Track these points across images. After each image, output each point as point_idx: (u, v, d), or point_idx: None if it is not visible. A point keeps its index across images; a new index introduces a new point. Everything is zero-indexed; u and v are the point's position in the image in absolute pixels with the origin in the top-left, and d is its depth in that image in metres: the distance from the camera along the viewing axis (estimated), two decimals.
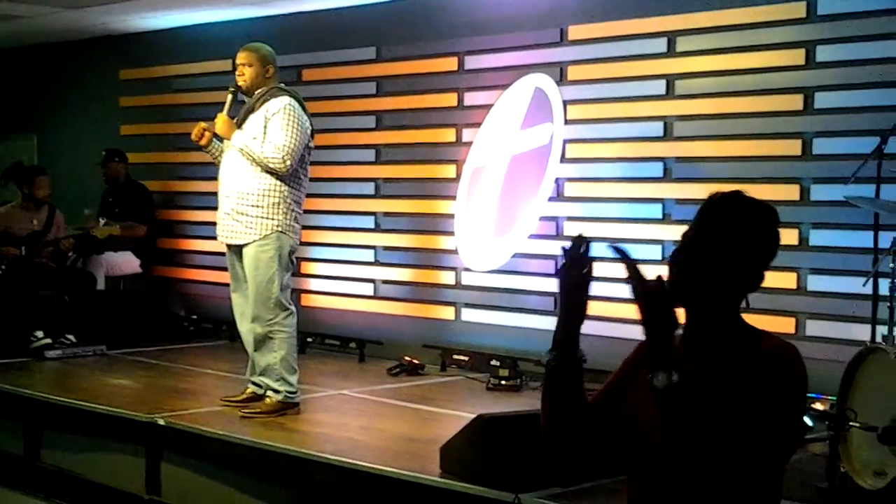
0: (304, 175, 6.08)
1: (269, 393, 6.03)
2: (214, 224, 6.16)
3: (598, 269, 2.44)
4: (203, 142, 6.12)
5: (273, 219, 5.91)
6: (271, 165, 5.84)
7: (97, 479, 6.21)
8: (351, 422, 6.04)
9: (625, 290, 2.32)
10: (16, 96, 11.52)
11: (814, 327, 6.14)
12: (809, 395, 5.64)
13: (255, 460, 5.45)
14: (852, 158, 5.56)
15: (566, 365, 2.50)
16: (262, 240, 5.91)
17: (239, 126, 5.99)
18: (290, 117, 5.88)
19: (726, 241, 2.39)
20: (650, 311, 2.29)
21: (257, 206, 5.90)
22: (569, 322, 2.49)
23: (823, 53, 6.20)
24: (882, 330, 4.87)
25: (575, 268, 2.45)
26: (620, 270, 2.27)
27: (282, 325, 5.97)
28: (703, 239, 2.42)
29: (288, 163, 5.84)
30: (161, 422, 5.90)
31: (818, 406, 5.51)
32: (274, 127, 5.87)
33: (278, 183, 5.91)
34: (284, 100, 5.95)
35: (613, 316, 6.45)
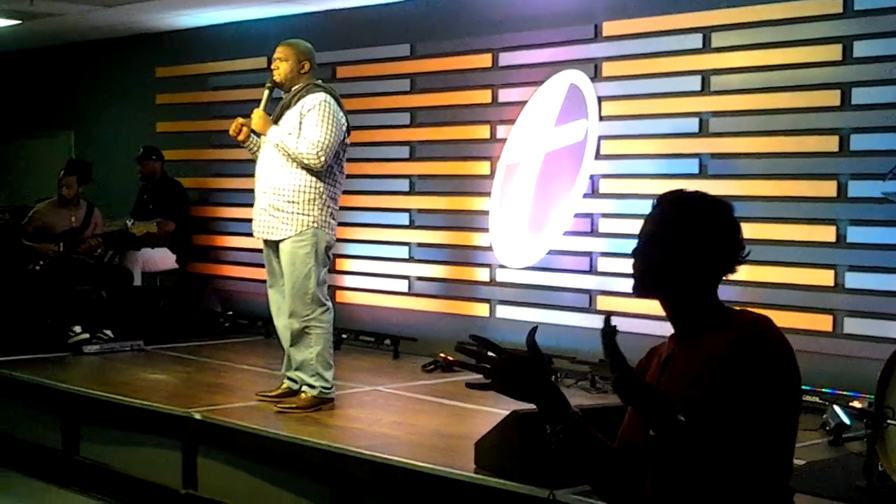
0: (340, 172, 6.10)
1: (304, 388, 6.05)
2: (249, 221, 6.20)
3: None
4: (241, 137, 6.15)
5: (309, 215, 5.93)
6: (306, 161, 5.86)
7: (134, 473, 6.28)
8: (384, 417, 6.06)
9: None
10: (53, 94, 11.64)
11: (852, 325, 6.10)
12: (846, 392, 5.66)
13: (289, 455, 5.48)
14: (890, 155, 5.55)
15: (571, 429, 2.54)
16: (298, 235, 5.93)
17: (275, 122, 6.02)
18: (326, 113, 5.90)
19: (671, 234, 2.53)
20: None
21: (293, 202, 5.92)
22: (548, 402, 2.54)
23: (860, 49, 6.16)
24: None
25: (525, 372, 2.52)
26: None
27: (318, 321, 6.00)
28: (652, 235, 2.57)
29: (323, 159, 5.86)
30: (198, 416, 5.94)
31: (856, 404, 5.49)
32: (309, 123, 5.89)
33: (314, 179, 5.93)
34: (320, 96, 5.96)
35: (654, 314, 6.43)
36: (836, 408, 5.43)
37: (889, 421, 4.37)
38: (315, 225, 5.94)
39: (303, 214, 5.93)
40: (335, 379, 6.16)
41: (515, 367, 2.49)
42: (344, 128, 6.03)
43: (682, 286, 2.55)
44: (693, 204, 2.56)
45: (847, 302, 6.14)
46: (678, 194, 2.60)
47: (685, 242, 2.51)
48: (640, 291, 2.60)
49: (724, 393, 2.36)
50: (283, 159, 5.93)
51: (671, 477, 2.44)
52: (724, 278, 2.57)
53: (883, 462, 4.44)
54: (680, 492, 2.44)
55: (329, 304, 6.09)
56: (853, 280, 6.13)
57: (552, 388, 2.52)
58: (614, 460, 2.58)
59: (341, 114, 6.02)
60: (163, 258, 9.23)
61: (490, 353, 2.52)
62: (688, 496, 2.43)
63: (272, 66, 6.16)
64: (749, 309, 2.56)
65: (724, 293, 2.56)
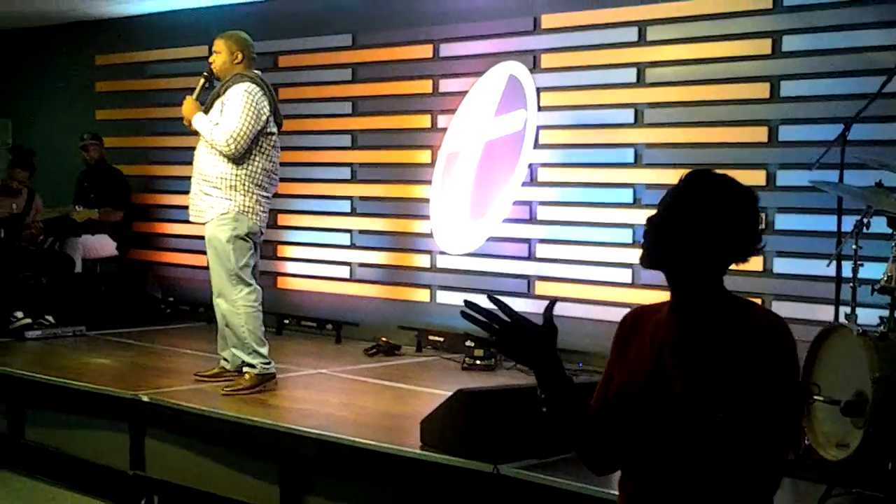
0: (265, 159, 6.20)
1: (245, 369, 6.19)
2: (188, 207, 6.36)
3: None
4: (192, 128, 6.30)
5: (231, 199, 6.10)
6: (219, 149, 6.06)
7: (81, 455, 6.33)
8: (331, 399, 6.19)
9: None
10: None
11: (780, 308, 6.31)
12: None
13: (238, 435, 5.59)
14: (817, 145, 5.70)
15: (564, 398, 2.54)
16: (220, 218, 6.12)
17: (206, 111, 6.20)
18: (244, 102, 6.05)
19: (691, 211, 2.49)
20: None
21: (216, 188, 6.13)
22: (548, 372, 2.52)
23: (789, 43, 6.38)
24: (845, 310, 5.04)
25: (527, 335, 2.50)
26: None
27: (245, 300, 6.15)
28: (672, 208, 2.53)
29: (233, 147, 6.02)
30: (145, 398, 6.02)
31: None
32: (227, 111, 6.08)
33: (233, 166, 6.10)
34: (243, 85, 6.12)
35: (592, 299, 6.64)
36: None
37: (815, 397, 4.57)
38: (236, 209, 6.10)
39: (225, 199, 6.11)
40: (279, 362, 6.31)
41: (525, 334, 2.49)
42: (265, 117, 6.14)
43: (691, 266, 2.51)
44: (721, 186, 2.52)
45: (775, 286, 6.36)
46: (707, 174, 2.55)
47: (705, 223, 2.47)
48: (648, 264, 2.57)
49: (767, 385, 2.41)
50: (208, 147, 6.13)
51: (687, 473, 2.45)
52: (733, 266, 2.55)
53: (809, 436, 4.65)
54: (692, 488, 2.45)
55: (255, 285, 6.24)
56: (781, 265, 6.36)
57: (555, 358, 2.52)
58: (600, 426, 2.60)
59: (264, 103, 6.15)
60: (103, 245, 9.25)
61: (504, 315, 2.50)
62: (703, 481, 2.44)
63: (209, 59, 6.32)
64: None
65: (657, 278, 2.62)
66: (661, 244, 2.52)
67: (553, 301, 2.53)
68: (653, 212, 2.60)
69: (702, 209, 2.48)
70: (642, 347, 2.56)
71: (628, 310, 2.72)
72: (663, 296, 2.62)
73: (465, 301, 2.49)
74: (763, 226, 2.58)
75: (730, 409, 2.38)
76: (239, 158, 6.07)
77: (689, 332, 2.51)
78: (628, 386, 2.54)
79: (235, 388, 6.14)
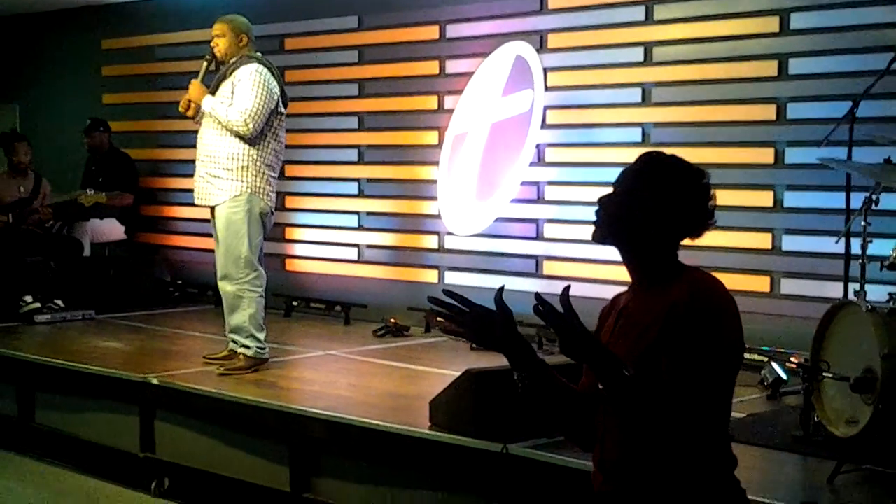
0: (275, 140, 6.24)
1: (240, 350, 6.21)
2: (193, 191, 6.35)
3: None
4: (190, 113, 6.32)
5: (243, 181, 6.10)
6: (235, 128, 6.04)
7: (92, 438, 6.36)
8: (340, 380, 6.20)
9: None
10: None
11: (788, 286, 6.33)
12: (784, 350, 5.88)
13: (248, 417, 5.60)
14: (825, 122, 5.68)
15: (537, 374, 2.70)
16: (233, 200, 6.11)
17: (212, 93, 6.20)
18: (256, 82, 6.07)
19: (638, 189, 2.67)
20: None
21: (227, 170, 6.11)
22: (514, 351, 2.68)
23: (797, 21, 6.35)
24: (854, 287, 5.03)
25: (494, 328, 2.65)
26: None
27: (251, 285, 6.17)
28: (621, 186, 2.71)
29: (251, 126, 6.02)
30: (154, 381, 6.04)
31: (793, 360, 5.69)
32: (240, 91, 6.08)
33: (246, 146, 6.10)
34: (252, 66, 6.14)
35: (600, 278, 6.62)
36: (774, 364, 5.65)
37: (824, 374, 4.57)
38: (249, 190, 6.10)
39: (237, 181, 6.10)
40: (288, 344, 6.37)
41: (484, 320, 2.64)
42: (276, 96, 6.17)
43: (638, 240, 2.68)
44: (665, 165, 2.69)
45: (784, 263, 6.35)
46: (655, 155, 2.73)
47: (647, 199, 2.64)
48: (598, 239, 2.74)
49: (671, 344, 2.52)
50: (218, 128, 6.12)
51: (622, 428, 2.60)
52: (688, 241, 2.71)
53: (819, 413, 4.65)
54: (628, 442, 2.60)
55: (262, 269, 6.25)
56: (790, 242, 6.35)
57: (518, 339, 2.66)
58: (579, 403, 2.74)
59: (274, 83, 6.17)
60: (111, 229, 9.28)
61: (462, 307, 2.65)
62: (635, 446, 2.59)
63: (211, 43, 6.30)
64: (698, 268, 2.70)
65: None
66: (609, 220, 2.71)
67: (501, 287, 2.68)
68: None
69: (647, 187, 2.65)
70: (609, 325, 2.77)
71: None
72: None
73: (429, 297, 2.69)
74: (714, 203, 2.70)
75: (637, 364, 2.51)
76: (253, 139, 6.07)
77: (639, 302, 2.69)
78: None
79: (231, 368, 6.18)
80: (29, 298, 8.23)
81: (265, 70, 6.15)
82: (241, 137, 6.07)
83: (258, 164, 6.13)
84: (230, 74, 6.18)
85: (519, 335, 2.66)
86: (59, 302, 8.34)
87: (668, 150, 2.78)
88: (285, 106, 6.31)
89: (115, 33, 10.30)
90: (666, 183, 2.65)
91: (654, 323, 2.58)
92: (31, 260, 8.53)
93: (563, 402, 2.72)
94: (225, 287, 6.20)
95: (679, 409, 2.49)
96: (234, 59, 6.21)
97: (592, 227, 2.74)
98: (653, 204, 2.64)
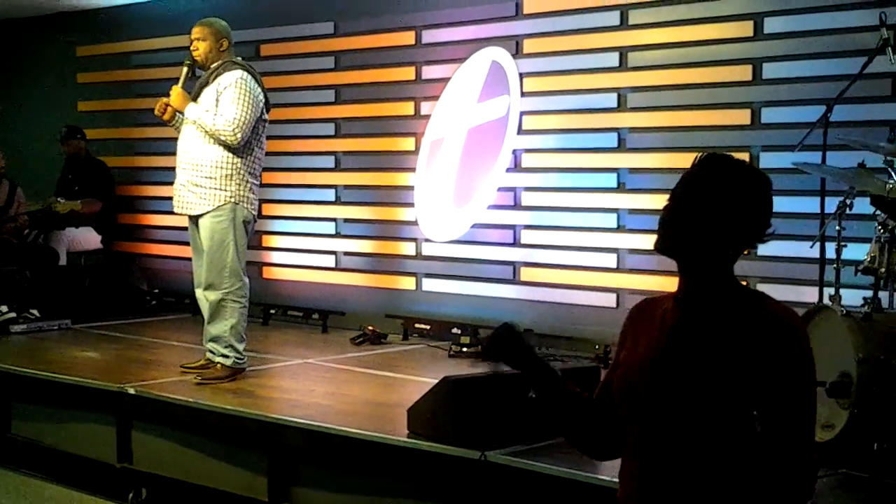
0: (259, 147, 6.21)
1: (218, 359, 6.19)
2: (173, 199, 6.30)
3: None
4: (166, 117, 6.25)
5: (226, 189, 6.06)
6: (223, 137, 5.99)
7: (68, 448, 6.31)
8: (318, 388, 6.18)
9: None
10: None
11: (764, 290, 6.31)
12: None
13: (225, 427, 5.58)
14: (799, 127, 5.70)
15: (550, 387, 2.65)
16: (217, 210, 6.07)
17: (194, 99, 6.14)
18: (242, 90, 6.03)
19: (707, 198, 2.44)
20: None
21: (211, 178, 6.06)
22: (527, 368, 2.67)
23: (771, 25, 6.39)
24: (829, 291, 5.05)
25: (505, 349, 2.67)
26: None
27: (235, 295, 6.14)
28: (687, 195, 2.47)
29: (239, 135, 5.99)
30: (131, 391, 6.01)
31: None
32: (226, 100, 6.02)
33: (231, 155, 6.06)
34: (237, 73, 6.09)
35: (577, 284, 6.63)
36: None
37: None
38: (233, 200, 6.07)
39: (221, 189, 6.05)
40: (265, 353, 6.30)
41: (497, 343, 2.67)
42: (261, 104, 6.15)
43: (706, 253, 2.47)
44: (738, 172, 2.48)
45: (759, 268, 6.34)
46: (723, 158, 2.49)
47: (722, 209, 2.43)
48: (663, 250, 2.51)
49: (788, 381, 2.39)
50: (201, 135, 6.06)
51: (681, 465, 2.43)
52: (744, 252, 2.54)
53: None
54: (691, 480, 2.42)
55: (246, 279, 6.22)
56: (765, 247, 6.26)
57: (531, 356, 2.64)
58: (592, 412, 2.66)
59: (259, 90, 6.14)
60: (87, 238, 9.23)
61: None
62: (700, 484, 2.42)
63: (190, 47, 6.26)
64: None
65: (653, 263, 2.65)
66: (677, 231, 2.47)
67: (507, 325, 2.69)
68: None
69: (721, 197, 2.43)
70: (650, 336, 2.53)
71: (615, 295, 2.79)
72: (648, 281, 2.66)
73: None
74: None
75: (741, 400, 2.37)
76: (239, 147, 6.04)
77: (699, 320, 2.47)
78: (635, 373, 2.52)
79: (209, 377, 6.16)
80: (4, 308, 8.16)
81: (250, 77, 6.11)
82: (226, 146, 6.03)
83: (242, 172, 6.10)
84: (213, 80, 6.13)
85: (529, 353, 2.65)
86: (35, 311, 8.28)
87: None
88: (268, 112, 6.28)
89: (90, 40, 10.25)
90: (738, 190, 2.45)
91: (737, 349, 2.41)
92: (7, 269, 8.47)
93: (574, 410, 2.67)
94: (208, 296, 6.15)
95: (796, 453, 2.36)
96: (215, 65, 6.16)
97: (655, 237, 2.52)
98: (723, 214, 2.43)
